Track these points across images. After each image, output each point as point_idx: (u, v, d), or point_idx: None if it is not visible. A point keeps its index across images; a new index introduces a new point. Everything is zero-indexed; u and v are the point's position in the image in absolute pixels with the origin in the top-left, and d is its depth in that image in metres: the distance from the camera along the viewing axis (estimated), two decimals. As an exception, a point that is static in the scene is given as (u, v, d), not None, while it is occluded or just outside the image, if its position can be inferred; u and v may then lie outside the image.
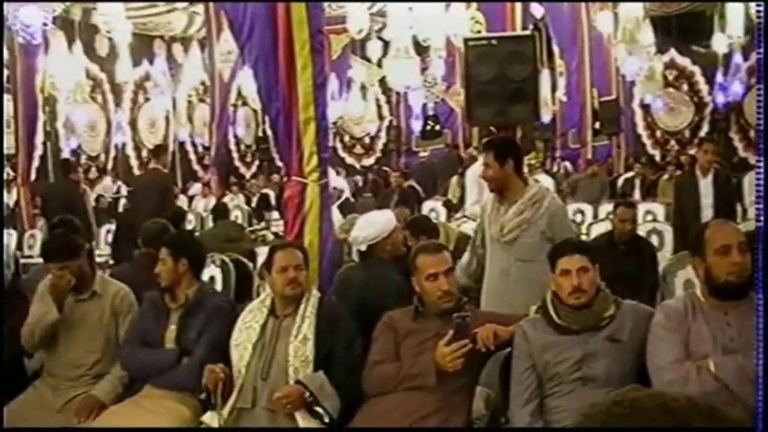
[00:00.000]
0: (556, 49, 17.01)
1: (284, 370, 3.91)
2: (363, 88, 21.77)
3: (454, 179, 13.67)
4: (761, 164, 2.46)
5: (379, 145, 24.53)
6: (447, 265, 3.91)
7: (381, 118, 24.15)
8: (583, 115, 16.78)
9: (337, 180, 12.58)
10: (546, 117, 17.05)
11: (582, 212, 10.37)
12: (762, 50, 2.47)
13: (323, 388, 3.82)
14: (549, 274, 3.67)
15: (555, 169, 17.92)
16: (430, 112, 21.64)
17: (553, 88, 18.34)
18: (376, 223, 4.89)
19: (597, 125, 17.32)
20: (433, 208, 11.63)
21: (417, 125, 22.36)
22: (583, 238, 7.86)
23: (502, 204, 4.71)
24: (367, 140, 24.52)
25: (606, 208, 10.00)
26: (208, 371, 3.92)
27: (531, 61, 7.00)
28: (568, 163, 18.27)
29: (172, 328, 4.36)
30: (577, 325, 3.52)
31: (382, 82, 20.36)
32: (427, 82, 19.11)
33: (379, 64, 18.38)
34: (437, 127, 21.41)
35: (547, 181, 10.02)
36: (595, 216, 10.09)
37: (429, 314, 3.90)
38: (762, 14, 2.46)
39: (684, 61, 20.51)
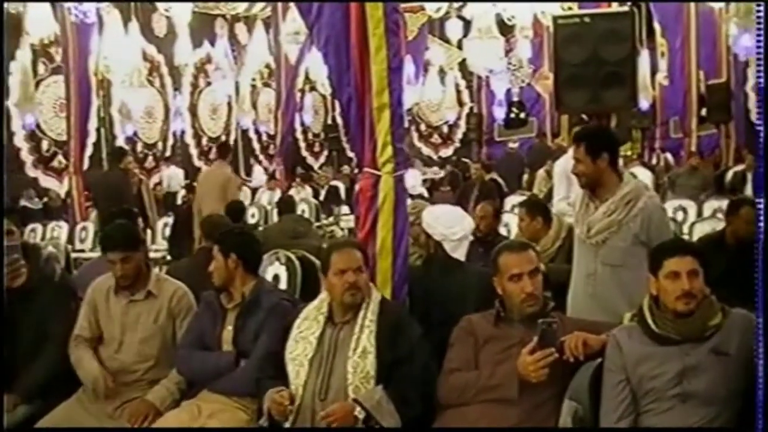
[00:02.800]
0: (657, 26, 16.73)
1: (343, 389, 3.87)
2: (441, 71, 21.81)
3: (541, 172, 13.60)
4: (761, 164, 2.58)
5: (459, 134, 24.52)
6: (532, 265, 3.87)
7: (461, 104, 24.13)
8: (687, 101, 16.51)
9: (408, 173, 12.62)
10: (644, 103, 16.79)
11: (684, 210, 10.19)
12: (762, 50, 2.54)
13: (380, 405, 3.78)
14: (639, 280, 3.60)
15: (654, 161, 17.69)
16: (515, 99, 21.53)
17: (653, 71, 18.03)
18: (465, 216, 4.95)
19: (703, 112, 17.02)
20: (517, 204, 11.54)
21: (500, 113, 22.25)
22: (685, 238, 7.73)
23: (593, 201, 4.62)
24: (445, 129, 24.51)
25: (712, 204, 9.83)
26: (273, 401, 3.87)
27: (628, 40, 6.94)
28: (669, 155, 18.04)
29: (229, 329, 4.41)
30: (677, 335, 3.45)
31: (463, 65, 20.43)
32: (511, 65, 19.04)
33: (459, 46, 18.39)
34: (522, 115, 21.32)
35: (644, 175, 9.92)
36: (699, 214, 9.91)
37: (511, 319, 3.87)
38: (762, 14, 2.54)
39: (812, 36, 20.00)
